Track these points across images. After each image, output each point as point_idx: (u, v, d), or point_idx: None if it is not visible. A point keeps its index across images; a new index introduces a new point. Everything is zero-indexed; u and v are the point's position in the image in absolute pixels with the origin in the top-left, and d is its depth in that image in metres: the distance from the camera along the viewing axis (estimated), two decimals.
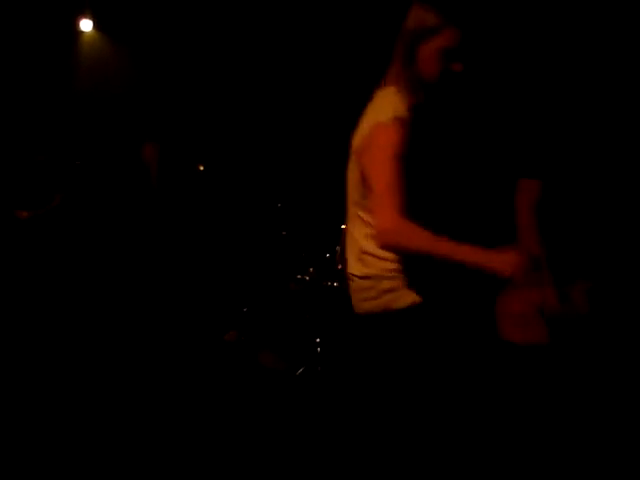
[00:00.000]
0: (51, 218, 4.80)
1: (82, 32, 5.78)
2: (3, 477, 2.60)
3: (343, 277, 4.29)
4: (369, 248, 1.89)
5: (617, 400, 2.82)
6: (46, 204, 4.81)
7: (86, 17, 5.64)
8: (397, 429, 1.91)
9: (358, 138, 1.94)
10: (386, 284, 1.88)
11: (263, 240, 4.93)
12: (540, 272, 2.66)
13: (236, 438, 3.02)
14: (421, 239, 1.77)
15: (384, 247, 1.82)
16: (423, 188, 1.93)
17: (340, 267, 4.15)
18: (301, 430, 3.08)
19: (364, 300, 1.93)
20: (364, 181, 1.88)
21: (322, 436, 2.99)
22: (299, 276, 4.26)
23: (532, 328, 2.73)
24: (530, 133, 3.29)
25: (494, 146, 4.21)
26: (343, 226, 4.16)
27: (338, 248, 4.17)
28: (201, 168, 5.11)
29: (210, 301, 4.60)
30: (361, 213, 1.93)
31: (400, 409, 1.91)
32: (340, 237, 4.18)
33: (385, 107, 1.86)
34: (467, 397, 2.11)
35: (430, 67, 1.89)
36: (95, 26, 5.74)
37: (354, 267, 1.97)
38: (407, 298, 1.87)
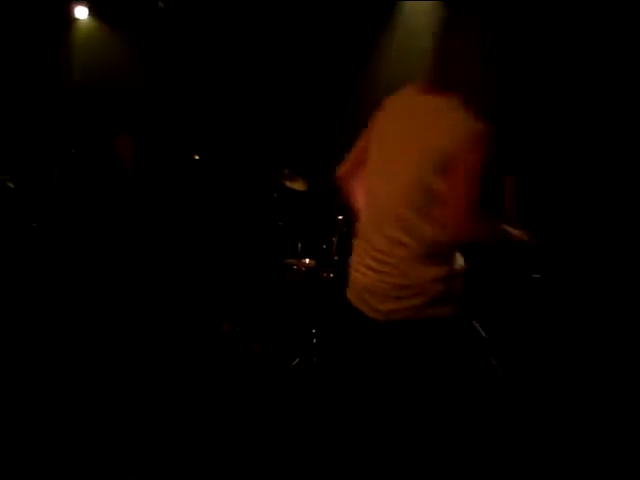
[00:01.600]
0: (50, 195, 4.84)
1: (77, 19, 5.72)
2: (3, 477, 2.60)
3: (344, 271, 4.29)
4: (425, 254, 1.91)
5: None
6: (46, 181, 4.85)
7: (81, 4, 5.59)
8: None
9: (444, 139, 1.87)
10: (434, 292, 1.91)
11: (259, 230, 4.91)
12: None
13: (233, 430, 3.02)
14: (490, 227, 1.95)
15: (458, 238, 1.87)
16: None
17: (337, 258, 4.14)
18: (296, 421, 3.08)
19: (403, 308, 1.92)
20: (436, 183, 1.86)
21: (317, 427, 2.99)
22: (295, 267, 4.24)
23: None
24: (516, 132, 3.34)
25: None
26: (340, 217, 4.16)
27: (334, 239, 4.15)
28: (196, 157, 5.08)
29: (205, 292, 4.58)
30: (417, 218, 1.91)
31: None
32: (336, 228, 4.17)
33: (473, 116, 1.88)
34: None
35: None
36: (91, 13, 5.68)
37: (395, 273, 1.93)
38: (451, 307, 1.95)
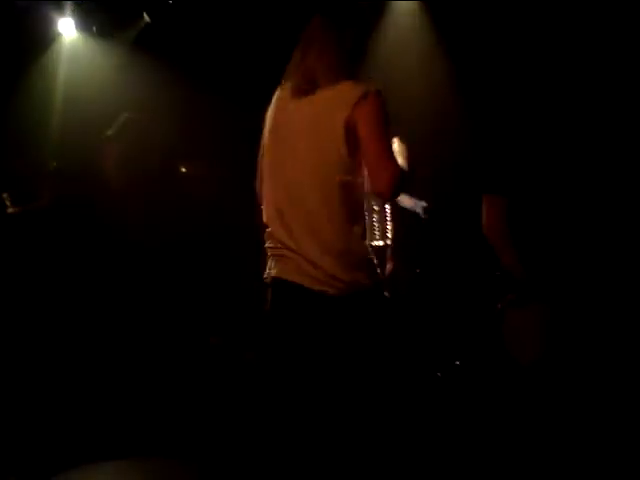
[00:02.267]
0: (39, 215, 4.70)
1: (61, 35, 5.52)
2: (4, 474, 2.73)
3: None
4: (353, 227, 2.05)
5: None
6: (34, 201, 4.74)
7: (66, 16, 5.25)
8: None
9: (341, 112, 1.98)
10: (363, 263, 2.06)
11: (249, 240, 4.79)
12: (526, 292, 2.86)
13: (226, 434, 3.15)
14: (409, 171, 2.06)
15: (396, 192, 2.00)
16: None
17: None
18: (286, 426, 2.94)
19: (338, 280, 2.00)
20: (353, 152, 1.97)
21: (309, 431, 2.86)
22: None
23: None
24: (495, 148, 3.32)
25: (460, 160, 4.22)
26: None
27: None
28: (183, 170, 4.98)
29: (194, 302, 4.46)
30: (338, 191, 2.00)
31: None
32: None
33: (359, 84, 2.02)
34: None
35: None
36: (78, 28, 5.46)
37: (325, 249, 2.01)
38: (375, 277, 2.10)
